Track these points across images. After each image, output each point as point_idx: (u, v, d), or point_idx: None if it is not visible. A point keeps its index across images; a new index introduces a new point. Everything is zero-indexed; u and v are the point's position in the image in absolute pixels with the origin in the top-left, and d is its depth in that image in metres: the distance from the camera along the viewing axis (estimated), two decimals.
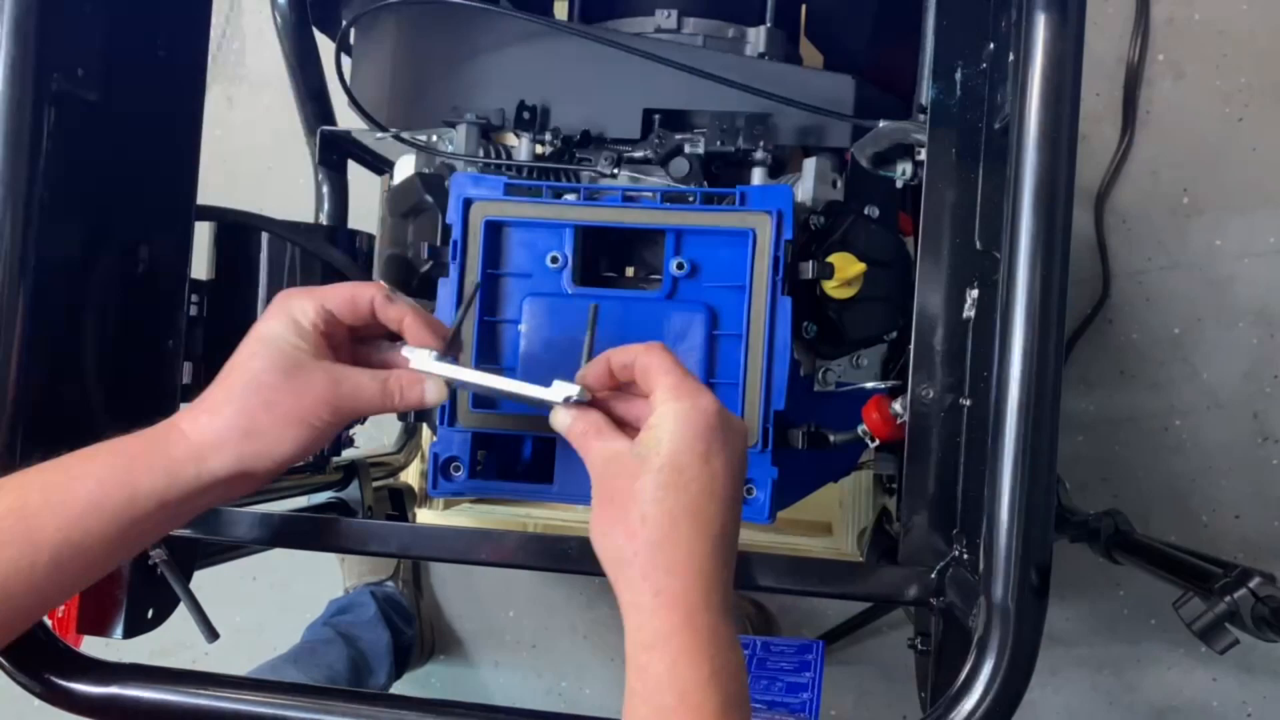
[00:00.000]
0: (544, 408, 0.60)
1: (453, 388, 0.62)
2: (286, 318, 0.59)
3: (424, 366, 0.60)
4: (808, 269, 0.76)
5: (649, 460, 0.54)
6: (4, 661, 0.69)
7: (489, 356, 0.75)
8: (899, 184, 0.80)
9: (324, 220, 1.14)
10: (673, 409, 0.55)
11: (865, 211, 0.80)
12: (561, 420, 0.59)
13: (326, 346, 0.60)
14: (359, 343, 0.65)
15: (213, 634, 0.77)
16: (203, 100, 0.86)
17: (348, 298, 0.61)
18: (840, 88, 0.81)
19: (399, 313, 0.62)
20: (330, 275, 0.91)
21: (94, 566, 0.56)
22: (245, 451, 0.57)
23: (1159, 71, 1.55)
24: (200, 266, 0.88)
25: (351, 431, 1.04)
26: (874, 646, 1.55)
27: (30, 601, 0.54)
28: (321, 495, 1.23)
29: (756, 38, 0.86)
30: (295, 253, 0.90)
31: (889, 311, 0.79)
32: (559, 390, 0.58)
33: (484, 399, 0.75)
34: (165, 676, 0.70)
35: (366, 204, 1.18)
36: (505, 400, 0.64)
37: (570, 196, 0.77)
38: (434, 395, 0.61)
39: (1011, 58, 0.61)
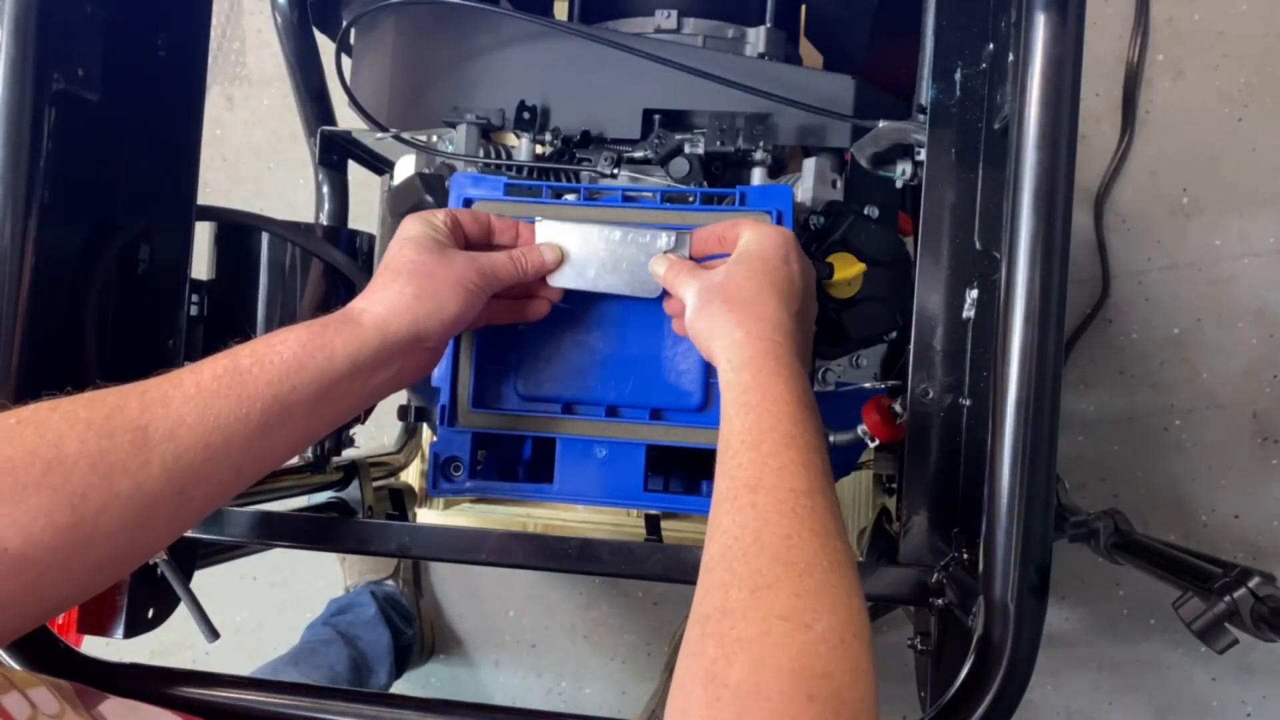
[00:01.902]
0: (640, 267, 0.71)
1: (562, 254, 0.72)
2: (423, 221, 0.69)
3: (553, 217, 0.73)
4: None
5: (740, 259, 0.67)
6: (6, 661, 0.69)
7: (489, 354, 0.75)
8: (899, 184, 0.80)
9: (324, 220, 1.14)
10: (758, 230, 0.69)
11: (865, 211, 0.80)
12: (659, 267, 0.71)
13: (456, 244, 0.70)
14: None
15: (213, 634, 0.77)
16: (203, 100, 0.86)
17: (470, 212, 0.74)
18: (840, 88, 0.81)
19: (512, 222, 0.74)
20: (330, 275, 0.91)
21: (297, 431, 0.60)
22: (420, 312, 0.64)
23: (1159, 71, 1.55)
24: (200, 266, 0.88)
25: (351, 431, 1.04)
26: (873, 646, 1.54)
27: (246, 458, 0.57)
28: (321, 495, 1.22)
29: (756, 38, 0.86)
30: (295, 253, 0.90)
31: (889, 311, 0.79)
32: (668, 233, 0.71)
33: (484, 399, 0.75)
34: (165, 676, 0.70)
35: (366, 204, 1.18)
36: (605, 266, 0.72)
37: (570, 196, 0.77)
38: (551, 256, 0.72)
39: (1011, 58, 0.61)
